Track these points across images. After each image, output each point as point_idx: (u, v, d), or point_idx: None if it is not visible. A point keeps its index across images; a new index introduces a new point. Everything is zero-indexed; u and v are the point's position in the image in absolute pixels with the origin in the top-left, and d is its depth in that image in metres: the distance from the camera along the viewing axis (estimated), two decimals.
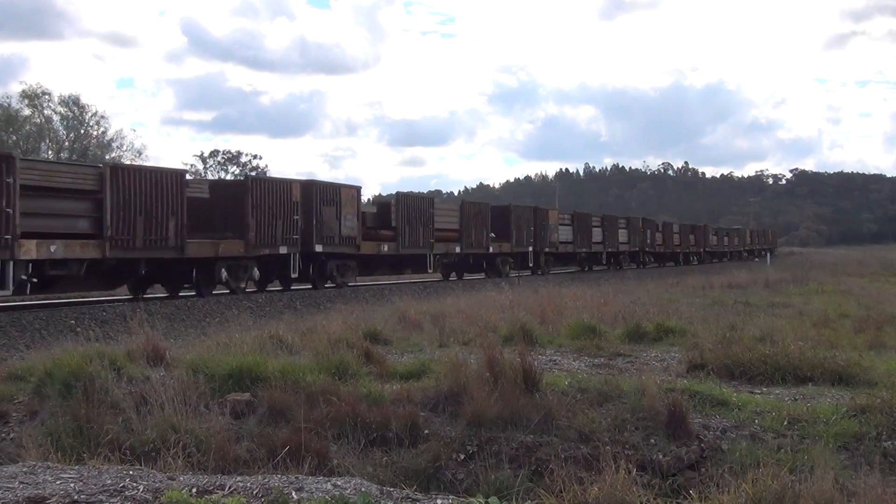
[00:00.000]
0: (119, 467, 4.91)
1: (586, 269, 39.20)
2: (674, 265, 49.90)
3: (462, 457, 6.46)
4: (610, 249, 41.61)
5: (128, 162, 50.71)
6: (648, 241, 46.92)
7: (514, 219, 32.77)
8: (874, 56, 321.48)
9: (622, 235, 43.39)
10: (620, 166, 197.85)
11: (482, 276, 30.71)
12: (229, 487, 4.24)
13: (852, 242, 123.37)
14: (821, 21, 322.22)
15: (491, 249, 30.94)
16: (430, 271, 28.35)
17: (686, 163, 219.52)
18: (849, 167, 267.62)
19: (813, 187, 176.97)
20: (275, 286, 22.41)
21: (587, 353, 9.75)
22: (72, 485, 4.27)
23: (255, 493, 4.15)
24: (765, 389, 7.70)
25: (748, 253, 67.66)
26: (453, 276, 29.60)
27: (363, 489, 4.27)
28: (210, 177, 61.37)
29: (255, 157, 71.80)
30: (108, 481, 4.34)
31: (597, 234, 40.44)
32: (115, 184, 16.11)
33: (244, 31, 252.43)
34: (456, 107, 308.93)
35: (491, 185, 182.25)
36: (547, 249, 35.31)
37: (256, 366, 7.71)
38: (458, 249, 28.88)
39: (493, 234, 31.18)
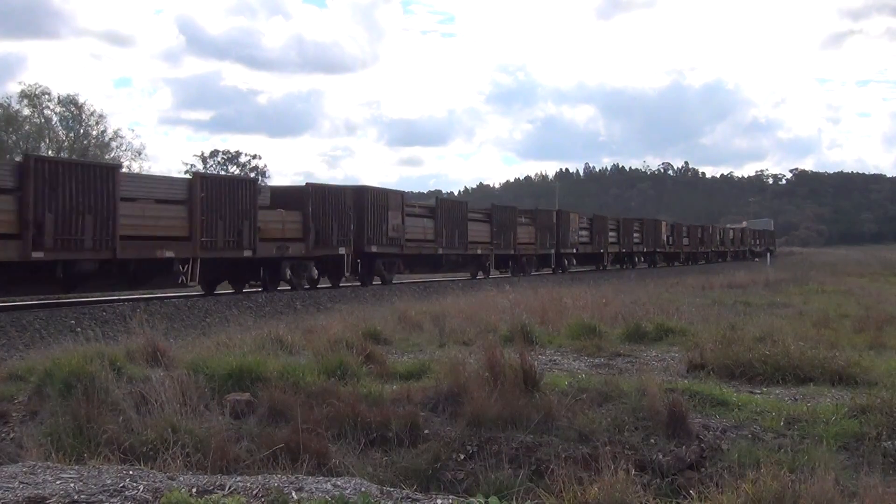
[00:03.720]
0: (119, 467, 4.91)
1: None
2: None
3: (462, 457, 6.45)
4: (624, 250, 43.71)
5: (126, 162, 50.91)
6: (660, 241, 48.70)
7: (538, 222, 34.79)
8: (872, 55, 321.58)
9: (636, 237, 45.44)
10: (620, 166, 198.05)
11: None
12: (229, 487, 4.24)
13: (852, 242, 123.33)
14: (819, 20, 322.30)
15: (517, 251, 32.83)
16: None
17: (686, 163, 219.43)
18: (849, 167, 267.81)
19: (813, 187, 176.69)
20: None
21: (587, 353, 9.74)
22: (72, 485, 4.27)
23: (255, 493, 4.14)
24: (765, 389, 7.69)
25: (750, 252, 68.18)
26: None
27: (363, 489, 4.27)
28: None
29: (254, 156, 71.74)
30: (108, 481, 4.34)
31: (612, 236, 42.37)
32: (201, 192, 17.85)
33: (241, 29, 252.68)
34: (454, 106, 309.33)
35: (491, 185, 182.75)
36: (567, 250, 37.21)
37: (256, 366, 7.71)
38: (489, 251, 30.76)
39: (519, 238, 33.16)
